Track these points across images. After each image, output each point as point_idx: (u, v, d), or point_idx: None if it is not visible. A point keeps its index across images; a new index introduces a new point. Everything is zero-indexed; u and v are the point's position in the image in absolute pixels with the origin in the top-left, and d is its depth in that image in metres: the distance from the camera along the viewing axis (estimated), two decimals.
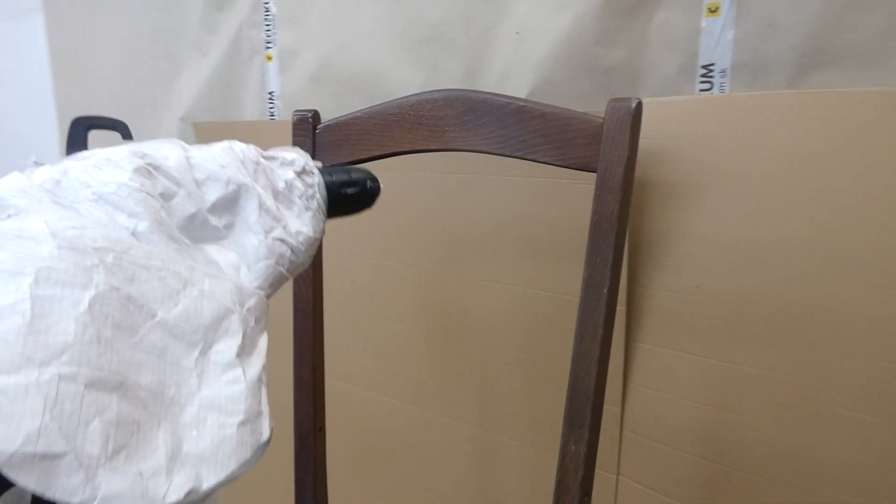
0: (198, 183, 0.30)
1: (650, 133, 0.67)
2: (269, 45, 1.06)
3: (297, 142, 0.57)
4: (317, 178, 0.35)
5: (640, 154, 0.68)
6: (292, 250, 0.31)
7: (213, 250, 0.30)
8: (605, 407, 0.56)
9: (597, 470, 0.56)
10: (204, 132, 1.13)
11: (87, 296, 0.23)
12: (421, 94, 0.51)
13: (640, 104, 0.43)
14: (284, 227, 0.31)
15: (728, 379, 0.68)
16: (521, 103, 0.46)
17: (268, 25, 1.06)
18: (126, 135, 0.97)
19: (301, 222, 0.33)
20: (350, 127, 0.54)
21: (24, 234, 0.25)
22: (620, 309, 0.76)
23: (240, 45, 1.09)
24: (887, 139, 0.56)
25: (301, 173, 0.34)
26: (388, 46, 0.92)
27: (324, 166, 0.36)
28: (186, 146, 0.33)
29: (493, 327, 0.83)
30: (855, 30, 0.61)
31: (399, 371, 0.92)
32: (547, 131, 0.45)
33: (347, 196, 0.35)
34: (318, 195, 0.35)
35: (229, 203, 0.31)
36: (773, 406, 0.65)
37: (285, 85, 1.06)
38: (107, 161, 0.29)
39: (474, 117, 0.48)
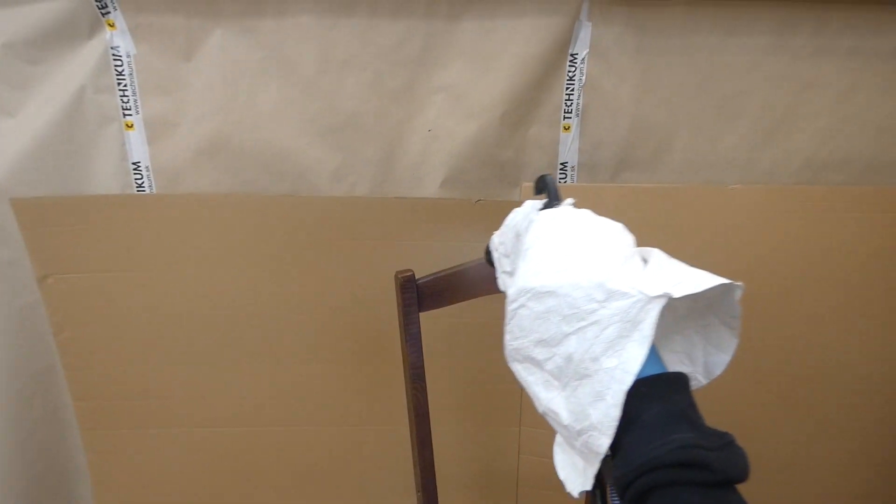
0: None
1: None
2: (128, 112, 0.97)
3: (405, 298, 0.71)
4: None
5: None
6: None
7: None
8: None
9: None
10: (29, 209, 0.96)
11: None
12: None
13: None
14: None
15: None
16: None
17: (123, 91, 0.96)
18: None
19: None
20: (450, 279, 0.72)
21: None
22: None
23: (82, 110, 0.95)
24: (658, 214, 1.03)
25: None
26: (297, 129, 0.99)
27: None
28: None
29: None
30: (642, 149, 1.06)
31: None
32: None
33: None
34: None
35: None
36: None
37: (159, 156, 1.00)
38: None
39: None
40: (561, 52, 0.99)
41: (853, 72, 1.01)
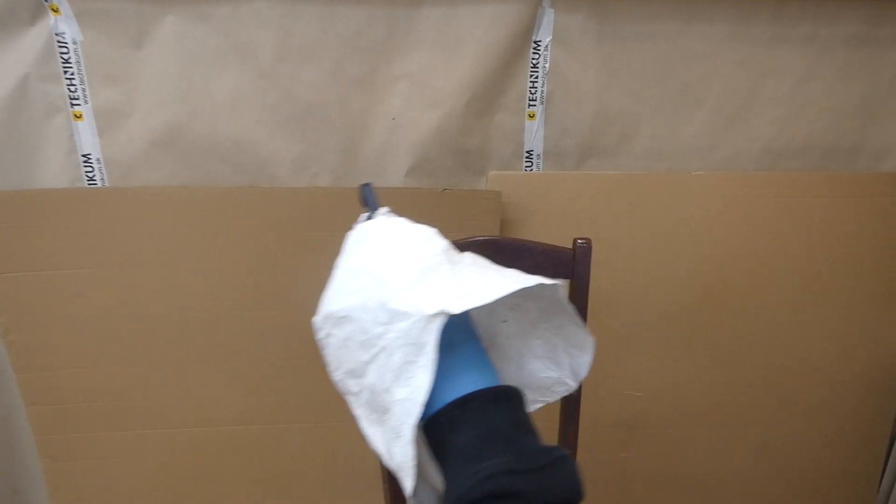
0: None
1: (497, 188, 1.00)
2: (76, 102, 0.93)
3: None
4: None
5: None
6: None
7: None
8: None
9: None
10: None
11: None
12: (468, 238, 0.72)
13: (590, 245, 0.76)
14: None
15: None
16: (532, 244, 0.75)
17: (70, 80, 0.92)
18: None
19: None
20: None
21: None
22: None
23: (26, 100, 0.91)
24: (622, 201, 1.03)
25: None
26: (256, 118, 0.97)
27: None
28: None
29: None
30: (606, 136, 1.06)
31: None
32: (546, 257, 0.75)
33: None
34: None
35: None
36: None
37: (110, 147, 0.95)
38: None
39: (503, 257, 0.73)
40: (524, 39, 0.98)
41: (810, 59, 1.03)
